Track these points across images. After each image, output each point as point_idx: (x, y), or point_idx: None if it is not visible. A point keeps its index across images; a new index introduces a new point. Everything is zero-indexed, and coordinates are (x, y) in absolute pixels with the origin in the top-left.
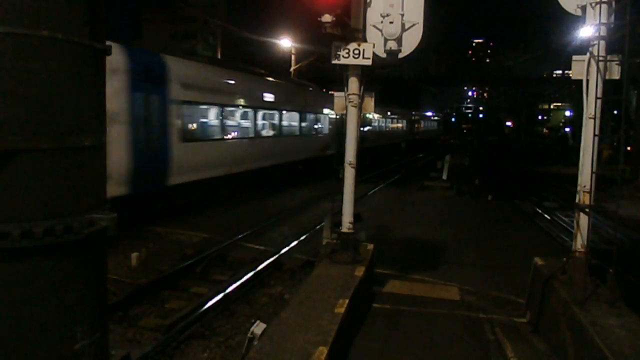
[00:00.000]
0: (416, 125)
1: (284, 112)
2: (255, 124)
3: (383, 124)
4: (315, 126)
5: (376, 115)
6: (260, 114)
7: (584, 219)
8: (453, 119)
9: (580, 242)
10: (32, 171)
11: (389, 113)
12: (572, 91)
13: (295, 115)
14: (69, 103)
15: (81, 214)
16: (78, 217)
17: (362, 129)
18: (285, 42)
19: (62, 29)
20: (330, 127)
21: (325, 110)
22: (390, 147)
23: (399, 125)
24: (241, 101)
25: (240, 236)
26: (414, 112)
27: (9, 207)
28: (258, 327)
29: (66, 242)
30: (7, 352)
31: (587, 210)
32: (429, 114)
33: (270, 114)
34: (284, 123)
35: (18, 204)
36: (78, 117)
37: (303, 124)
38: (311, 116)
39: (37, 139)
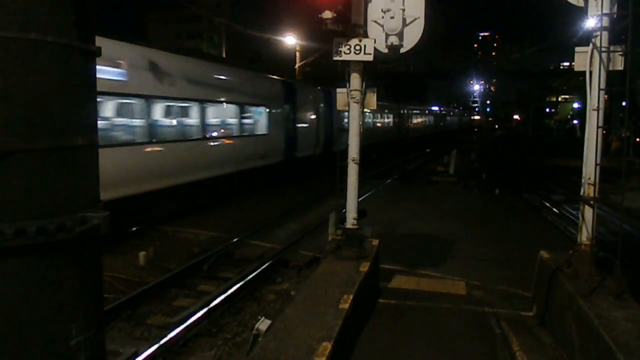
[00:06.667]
0: (441, 121)
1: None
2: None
3: (421, 119)
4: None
5: (416, 111)
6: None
7: (588, 212)
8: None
9: (585, 235)
10: (25, 171)
11: (426, 111)
12: (580, 83)
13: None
14: (61, 104)
15: (74, 212)
16: (71, 216)
17: (400, 122)
18: (290, 40)
19: (51, 32)
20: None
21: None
22: (426, 137)
23: (431, 119)
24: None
25: (246, 234)
26: (438, 109)
27: (2, 207)
28: (263, 324)
29: (59, 241)
30: (1, 349)
31: (591, 202)
32: (435, 108)
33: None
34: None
35: (11, 204)
36: (70, 117)
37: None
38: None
39: (30, 140)
